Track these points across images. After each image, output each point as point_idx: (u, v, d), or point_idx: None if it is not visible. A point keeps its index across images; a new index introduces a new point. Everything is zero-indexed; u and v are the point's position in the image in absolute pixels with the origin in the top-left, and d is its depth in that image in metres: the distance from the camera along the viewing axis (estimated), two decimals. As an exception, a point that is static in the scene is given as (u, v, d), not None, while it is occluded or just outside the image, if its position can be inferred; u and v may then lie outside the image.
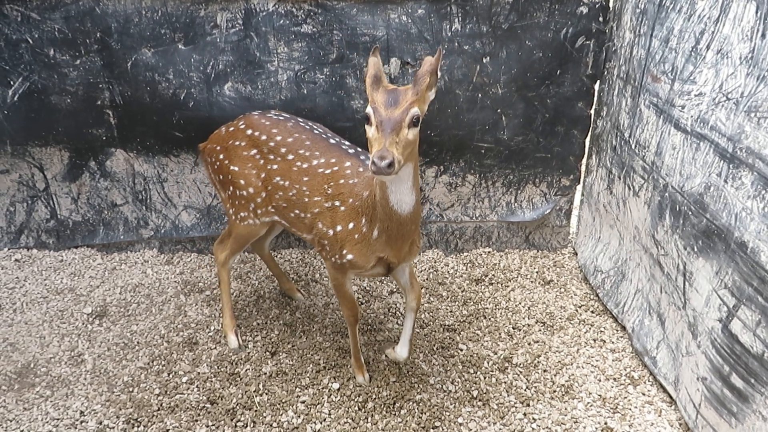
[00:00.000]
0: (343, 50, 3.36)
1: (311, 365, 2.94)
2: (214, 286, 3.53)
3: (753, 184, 2.12)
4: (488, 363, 2.96)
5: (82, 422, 2.62)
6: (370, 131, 2.01)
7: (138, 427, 2.60)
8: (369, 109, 2.03)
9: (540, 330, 3.21)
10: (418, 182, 2.23)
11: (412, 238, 2.40)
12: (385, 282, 3.58)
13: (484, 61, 3.37)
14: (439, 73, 2.17)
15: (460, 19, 3.27)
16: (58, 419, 2.62)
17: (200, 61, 3.37)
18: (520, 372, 2.91)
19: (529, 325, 3.23)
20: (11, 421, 2.61)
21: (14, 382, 2.82)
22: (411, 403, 2.72)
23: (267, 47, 3.35)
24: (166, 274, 3.65)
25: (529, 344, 3.10)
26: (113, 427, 2.59)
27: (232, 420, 2.63)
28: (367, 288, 3.52)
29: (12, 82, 3.41)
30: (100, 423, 2.61)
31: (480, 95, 3.46)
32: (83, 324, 3.21)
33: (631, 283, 3.15)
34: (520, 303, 3.41)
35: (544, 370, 2.92)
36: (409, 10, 3.26)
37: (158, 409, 2.69)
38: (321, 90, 3.44)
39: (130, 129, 3.57)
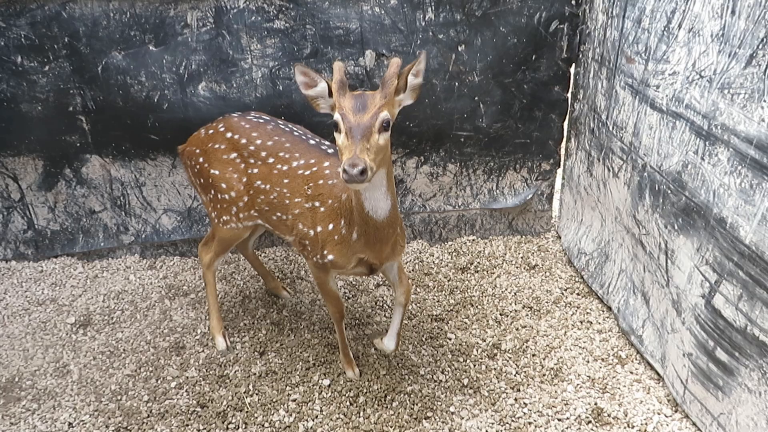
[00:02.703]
0: (318, 44, 3.33)
1: (300, 363, 2.93)
2: (198, 289, 3.49)
3: (729, 161, 2.13)
4: (477, 351, 2.97)
5: (70, 434, 2.59)
6: (340, 139, 1.95)
7: (128, 435, 2.57)
8: (337, 116, 1.97)
9: (527, 315, 3.22)
10: (393, 186, 2.20)
11: (393, 239, 2.37)
12: (371, 276, 3.57)
13: (460, 49, 3.36)
14: (421, 77, 2.11)
15: (433, 8, 3.26)
16: (46, 432, 2.59)
17: (172, 61, 3.32)
18: (509, 358, 2.92)
19: (516, 311, 3.25)
20: (-2, 436, 2.57)
21: (-1, 397, 2.78)
22: (402, 395, 2.72)
23: (240, 45, 3.31)
24: (149, 279, 3.61)
25: (517, 330, 3.11)
26: (103, 437, 2.56)
27: (223, 422, 2.61)
28: (353, 282, 3.51)
29: (-21, 92, 3.34)
30: (90, 433, 2.58)
31: (457, 84, 3.45)
32: (67, 334, 3.17)
33: (615, 264, 3.17)
34: (506, 289, 3.42)
35: (533, 355, 2.93)
36: (382, 1, 3.23)
37: (148, 416, 2.66)
38: (296, 86, 3.39)
39: (104, 134, 3.51)
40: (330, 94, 2.07)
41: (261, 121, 2.77)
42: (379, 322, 3.19)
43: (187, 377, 2.87)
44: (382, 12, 3.26)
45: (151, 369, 2.92)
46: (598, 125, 3.21)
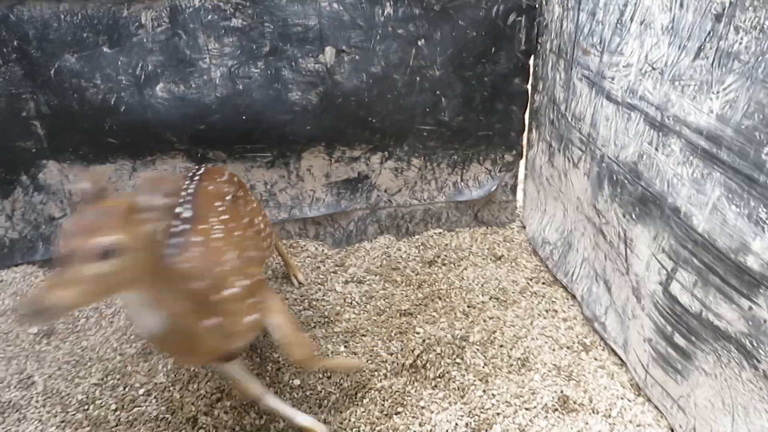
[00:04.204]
0: (277, 42, 3.29)
1: (271, 364, 2.92)
2: (165, 293, 3.45)
3: (681, 151, 2.19)
4: (446, 344, 3.00)
5: (37, 447, 2.55)
6: None
7: (97, 445, 2.54)
8: None
9: (494, 306, 3.26)
10: (179, 305, 1.84)
11: (207, 348, 2.04)
12: (339, 273, 3.58)
13: (419, 43, 3.36)
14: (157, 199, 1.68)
15: (391, 2, 3.25)
16: (11, 447, 2.55)
17: (128, 63, 3.25)
18: (478, 350, 2.96)
19: (483, 302, 3.29)
20: (-39, 454, 2.52)
21: (-39, 413, 2.71)
22: (373, 391, 2.74)
23: (197, 44, 3.26)
24: (114, 285, 3.55)
25: (485, 321, 3.15)
26: (71, 449, 2.53)
27: (193, 428, 2.59)
28: (321, 280, 3.52)
29: (-73, 99, 3.23)
30: (57, 445, 2.54)
31: (418, 78, 3.45)
32: (30, 345, 3.10)
33: (578, 253, 3.24)
34: (473, 281, 3.46)
35: (501, 346, 2.98)
36: (340, -3, 3.22)
37: (116, 425, 2.63)
38: (257, 84, 3.37)
39: (60, 139, 3.42)
40: None
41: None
42: (348, 319, 3.20)
43: (156, 383, 2.84)
44: (341, 8, 3.24)
45: (118, 376, 2.89)
46: (557, 116, 3.25)
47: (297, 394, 2.74)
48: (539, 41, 3.42)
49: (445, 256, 3.69)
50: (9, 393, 2.81)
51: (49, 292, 1.49)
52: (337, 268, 3.64)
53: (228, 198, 2.50)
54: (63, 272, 1.52)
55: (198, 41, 3.25)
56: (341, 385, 2.77)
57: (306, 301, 3.36)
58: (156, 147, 3.49)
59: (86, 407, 2.73)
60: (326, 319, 3.21)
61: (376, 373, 2.84)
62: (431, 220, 3.95)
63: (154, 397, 2.76)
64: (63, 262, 1.53)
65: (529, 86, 3.61)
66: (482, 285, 3.43)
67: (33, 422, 2.65)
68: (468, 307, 3.26)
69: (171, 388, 2.80)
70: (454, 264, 3.63)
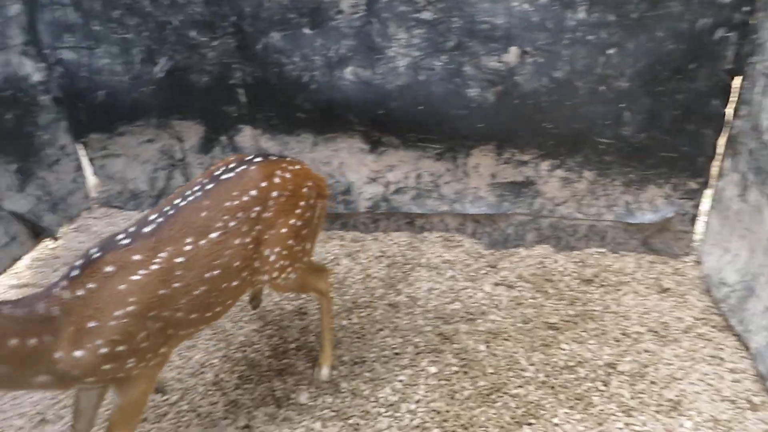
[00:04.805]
0: (462, 38, 3.34)
1: (411, 347, 3.01)
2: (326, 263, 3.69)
3: None
4: (591, 367, 2.86)
5: (201, 373, 2.88)
6: None
7: (249, 384, 2.81)
8: None
9: (651, 339, 3.04)
10: None
11: None
12: (490, 274, 3.58)
13: (609, 52, 3.21)
14: None
15: (585, 7, 3.14)
16: (181, 367, 2.91)
17: (324, 45, 3.51)
18: (625, 380, 2.79)
19: (639, 333, 3.08)
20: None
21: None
22: (507, 396, 2.71)
23: (387, 33, 3.42)
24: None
25: (638, 353, 2.95)
26: (228, 381, 2.83)
27: (333, 389, 2.76)
28: (470, 278, 3.53)
29: (159, 61, 3.76)
30: (217, 375, 2.86)
31: (603, 88, 3.30)
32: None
33: (760, 301, 2.90)
34: (631, 309, 3.25)
35: (652, 382, 2.77)
36: (534, -2, 3.18)
37: (268, 370, 2.88)
38: (438, 77, 3.46)
39: (258, 108, 3.81)
40: None
41: None
42: (493, 320, 3.18)
43: (305, 341, 3.06)
44: (531, 8, 3.20)
45: (275, 328, 3.16)
46: (759, 146, 2.92)
47: (432, 381, 2.79)
48: (749, 61, 3.09)
49: (605, 277, 3.51)
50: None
51: None
52: (489, 269, 3.63)
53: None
54: None
55: (388, 30, 3.41)
56: (476, 383, 2.77)
57: (454, 294, 3.40)
58: (337, 126, 3.74)
59: (245, 349, 3.03)
60: (471, 316, 3.22)
61: (513, 379, 2.80)
62: (595, 238, 3.76)
63: (303, 354, 2.98)
64: None
65: (729, 109, 3.28)
66: (641, 315, 3.20)
67: (201, 351, 3.02)
68: (621, 334, 3.07)
69: (318, 350, 3.00)
70: (613, 287, 3.43)
